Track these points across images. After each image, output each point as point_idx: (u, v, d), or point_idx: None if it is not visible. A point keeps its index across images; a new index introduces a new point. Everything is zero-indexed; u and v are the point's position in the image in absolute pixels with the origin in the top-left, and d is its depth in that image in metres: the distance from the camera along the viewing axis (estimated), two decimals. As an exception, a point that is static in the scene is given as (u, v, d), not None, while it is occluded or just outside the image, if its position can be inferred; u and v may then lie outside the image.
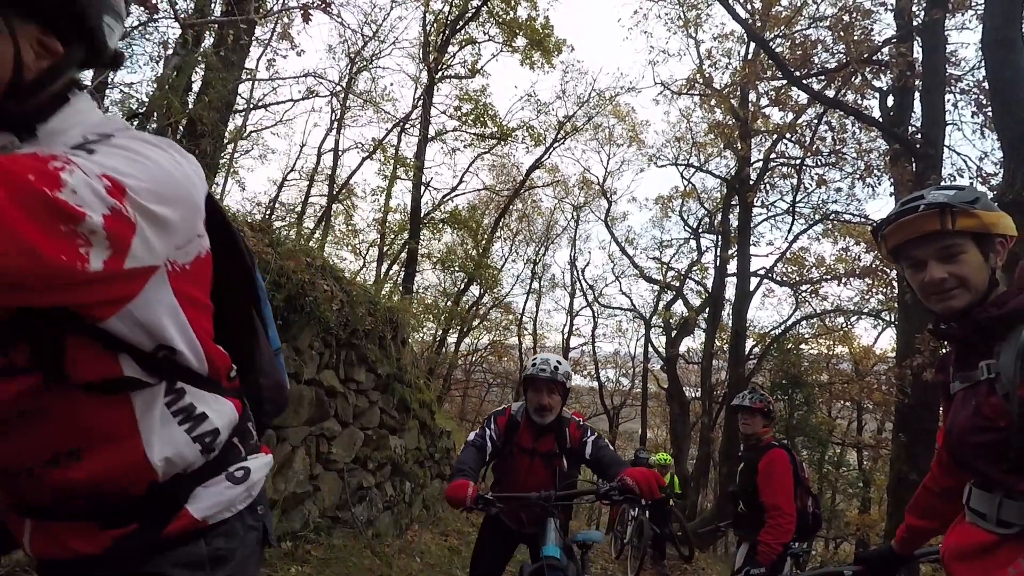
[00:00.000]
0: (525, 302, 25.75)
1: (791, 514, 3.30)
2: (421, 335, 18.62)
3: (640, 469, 2.35)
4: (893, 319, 14.77)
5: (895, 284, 11.92)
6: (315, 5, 4.93)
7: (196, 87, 6.52)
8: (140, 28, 7.19)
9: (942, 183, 7.18)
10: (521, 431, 2.85)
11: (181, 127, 5.37)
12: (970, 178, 8.85)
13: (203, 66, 6.01)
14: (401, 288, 13.80)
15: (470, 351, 24.93)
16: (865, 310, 16.57)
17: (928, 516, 1.68)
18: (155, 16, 6.45)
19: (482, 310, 22.88)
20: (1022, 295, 1.25)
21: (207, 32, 6.61)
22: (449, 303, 19.16)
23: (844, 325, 18.21)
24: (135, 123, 4.68)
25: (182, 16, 5.65)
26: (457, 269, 19.24)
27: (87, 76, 7.10)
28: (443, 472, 7.25)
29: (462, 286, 19.81)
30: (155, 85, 5.48)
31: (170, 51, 5.91)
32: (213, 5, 6.97)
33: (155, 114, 4.71)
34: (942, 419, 1.53)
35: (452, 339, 21.03)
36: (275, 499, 3.89)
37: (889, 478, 8.47)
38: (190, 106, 5.67)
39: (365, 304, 4.89)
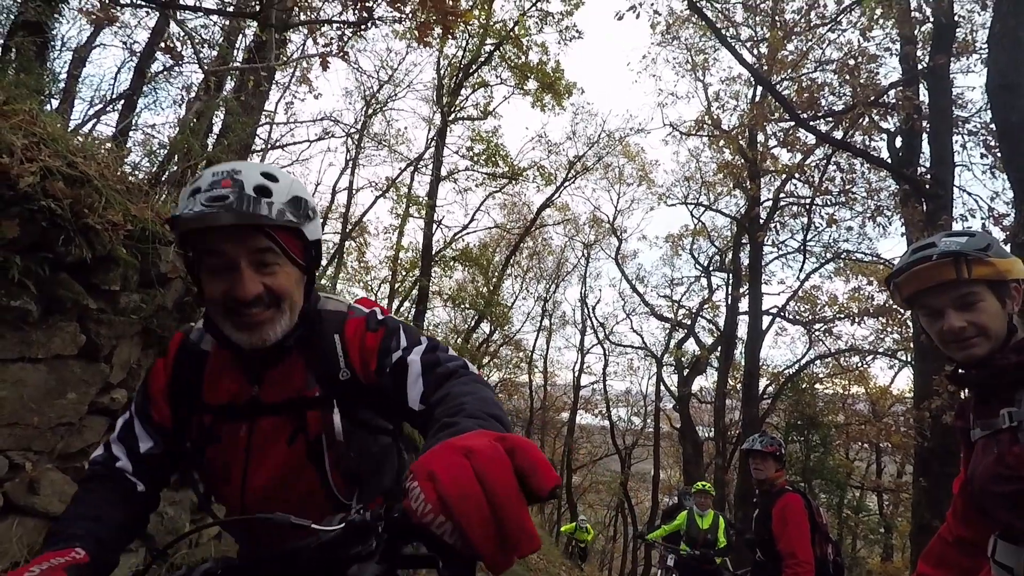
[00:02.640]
0: (535, 339, 25.66)
1: (808, 561, 3.20)
2: (431, 372, 18.50)
3: (453, 455, 0.63)
4: (909, 359, 14.54)
5: (910, 324, 11.77)
6: (333, 53, 5.10)
7: (216, 129, 6.73)
8: (165, 73, 7.47)
9: (953, 225, 7.18)
10: (214, 372, 1.21)
11: (200, 168, 5.51)
12: (982, 218, 8.84)
13: (224, 110, 6.21)
14: (412, 325, 13.80)
15: (480, 389, 24.67)
16: (880, 349, 16.33)
17: (942, 566, 1.62)
18: (179, 62, 6.70)
19: (492, 347, 22.80)
20: None
21: (229, 78, 6.85)
22: (459, 340, 19.13)
23: (859, 365, 17.92)
24: (157, 163, 4.82)
25: (205, 63, 5.87)
26: (468, 306, 19.28)
27: (111, 119, 7.32)
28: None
29: (472, 323, 19.82)
30: (177, 128, 5.66)
31: (192, 96, 6.12)
32: (235, 52, 7.24)
33: (176, 156, 4.84)
34: (962, 466, 1.50)
35: (462, 377, 20.84)
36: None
37: (911, 525, 8.20)
38: (210, 148, 5.82)
39: (375, 342, 4.89)
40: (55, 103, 5.86)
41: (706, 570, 5.99)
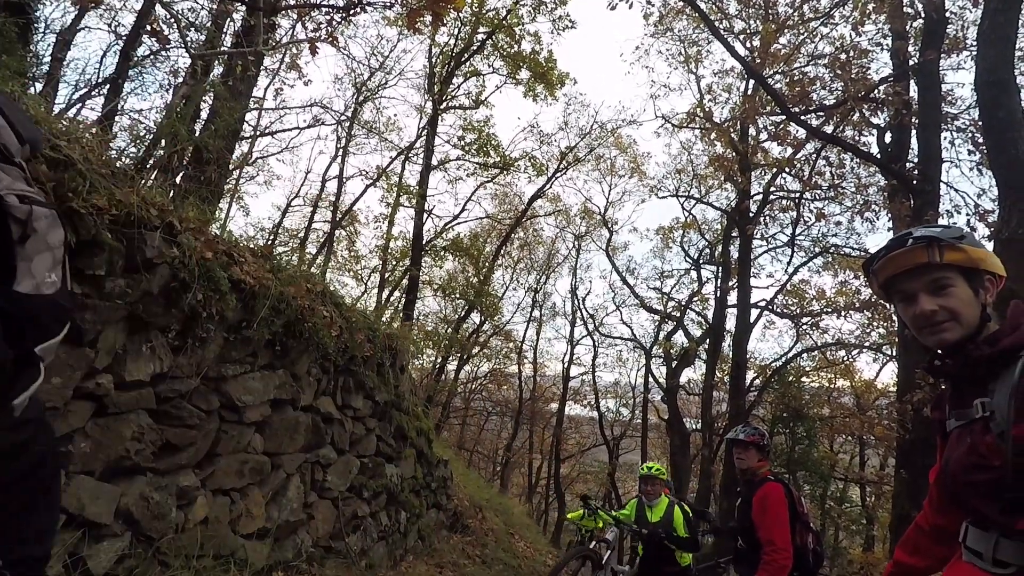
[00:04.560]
0: (525, 330, 25.73)
1: (785, 548, 3.26)
2: (420, 362, 18.58)
3: None
4: (894, 353, 14.73)
5: (895, 318, 11.90)
6: (322, 39, 5.05)
7: (204, 115, 6.65)
8: (151, 57, 7.37)
9: (938, 220, 7.26)
10: None
11: (187, 154, 5.45)
12: (967, 214, 8.94)
13: (211, 95, 6.14)
14: (401, 315, 13.81)
15: (470, 379, 24.80)
16: (866, 344, 16.53)
17: (918, 554, 1.66)
18: (166, 46, 6.61)
19: (482, 338, 22.83)
20: (1015, 333, 1.27)
21: (216, 62, 6.77)
22: (449, 330, 19.14)
23: (845, 358, 18.14)
24: (143, 149, 4.76)
25: (192, 47, 5.79)
26: (458, 296, 19.28)
27: (97, 104, 7.23)
28: (439, 502, 7.14)
29: (463, 313, 19.82)
30: (164, 113, 5.59)
31: (180, 80, 6.05)
32: (223, 37, 7.14)
33: (163, 141, 4.79)
34: (938, 457, 1.53)
35: (452, 367, 20.97)
36: (268, 527, 3.84)
37: (892, 515, 8.35)
38: (197, 133, 5.76)
39: (365, 330, 4.89)
40: (39, 86, 5.78)
41: (663, 556, 4.61)
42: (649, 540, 4.62)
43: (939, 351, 1.38)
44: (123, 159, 3.54)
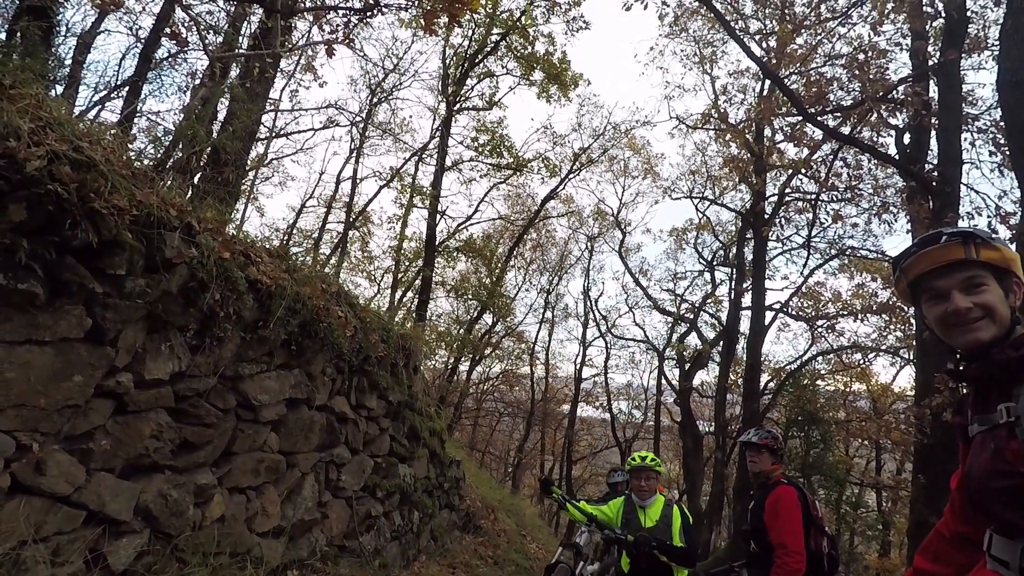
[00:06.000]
0: (538, 331, 25.73)
1: (798, 552, 3.22)
2: (433, 363, 18.64)
3: None
4: (911, 357, 14.53)
5: (913, 321, 11.74)
6: (339, 40, 5.09)
7: (221, 116, 6.73)
8: (170, 60, 7.45)
9: (959, 223, 7.15)
10: None
11: (205, 155, 5.52)
12: (988, 217, 8.79)
13: (229, 97, 6.21)
14: (414, 315, 13.86)
15: (482, 379, 24.81)
16: (883, 347, 16.31)
17: (939, 562, 1.63)
18: (185, 49, 6.68)
19: (495, 339, 22.84)
20: None
21: (234, 64, 6.84)
22: (462, 331, 19.17)
23: (861, 362, 17.91)
24: (162, 150, 4.83)
25: (210, 49, 5.86)
26: (470, 297, 19.31)
27: (116, 106, 7.33)
28: (452, 502, 7.16)
29: (475, 314, 19.84)
30: (182, 115, 5.66)
31: (198, 82, 6.12)
32: (240, 39, 7.22)
33: (181, 142, 4.85)
34: (960, 462, 1.50)
35: (464, 367, 21.00)
36: (283, 526, 3.87)
37: (909, 521, 8.23)
38: (214, 135, 5.83)
39: (378, 331, 4.91)
40: (60, 88, 5.86)
41: (657, 571, 3.65)
42: (637, 549, 3.63)
43: (960, 355, 1.36)
44: (143, 160, 3.58)
